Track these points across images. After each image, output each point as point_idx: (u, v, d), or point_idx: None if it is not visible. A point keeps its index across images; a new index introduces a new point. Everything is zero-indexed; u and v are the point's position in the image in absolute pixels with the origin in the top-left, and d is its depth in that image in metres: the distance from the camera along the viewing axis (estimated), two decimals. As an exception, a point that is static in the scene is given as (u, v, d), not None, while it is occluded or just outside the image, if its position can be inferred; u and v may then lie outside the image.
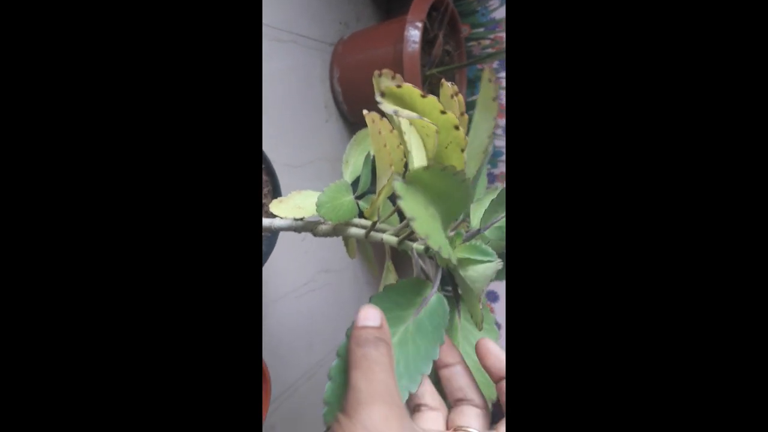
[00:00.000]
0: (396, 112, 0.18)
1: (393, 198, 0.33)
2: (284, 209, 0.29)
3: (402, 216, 0.34)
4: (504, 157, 0.95)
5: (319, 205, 0.26)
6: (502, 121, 0.96)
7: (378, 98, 0.18)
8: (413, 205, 0.18)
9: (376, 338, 0.20)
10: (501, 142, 0.95)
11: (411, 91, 0.18)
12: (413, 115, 0.18)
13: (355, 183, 0.34)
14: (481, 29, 0.93)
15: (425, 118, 0.18)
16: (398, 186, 0.18)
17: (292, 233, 0.72)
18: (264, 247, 0.49)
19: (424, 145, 0.20)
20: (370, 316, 0.20)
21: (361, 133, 0.35)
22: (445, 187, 0.20)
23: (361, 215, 0.33)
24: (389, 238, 0.28)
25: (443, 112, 0.18)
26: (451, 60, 0.84)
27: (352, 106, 0.83)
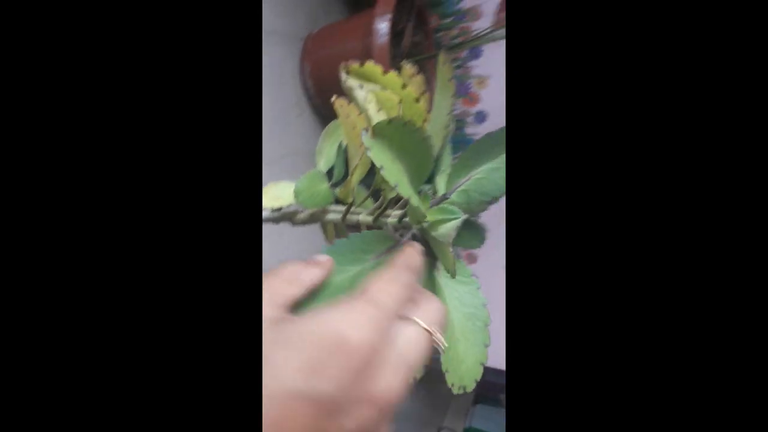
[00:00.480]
0: (361, 86, 0.19)
1: (366, 181, 0.34)
2: (263, 200, 0.30)
3: (376, 198, 0.36)
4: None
5: (296, 193, 0.28)
6: (473, 109, 0.98)
7: (343, 76, 0.20)
8: (381, 156, 0.20)
9: (307, 260, 0.22)
10: (471, 130, 0.97)
11: (373, 68, 0.20)
12: (377, 87, 0.20)
13: (329, 173, 0.35)
14: (450, 19, 0.95)
15: (388, 90, 0.20)
16: (366, 138, 0.20)
17: (270, 228, 0.72)
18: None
19: (388, 115, 0.22)
20: (319, 257, 0.23)
21: (332, 124, 0.36)
22: (408, 142, 0.21)
23: (336, 202, 0.34)
24: (365, 218, 0.29)
25: (404, 87, 0.20)
26: (420, 51, 0.86)
27: (324, 100, 0.84)
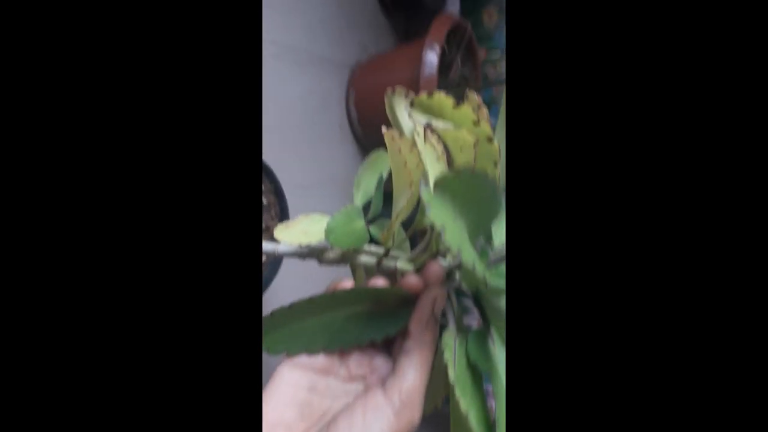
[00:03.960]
0: (429, 124, 0.16)
1: (406, 224, 0.31)
2: (290, 234, 0.27)
3: (414, 243, 0.32)
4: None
5: (328, 231, 0.24)
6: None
7: (407, 109, 0.17)
8: (442, 214, 0.16)
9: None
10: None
11: (442, 100, 0.17)
12: (448, 126, 0.16)
13: (366, 207, 0.32)
14: (498, 53, 0.93)
15: (461, 129, 0.16)
16: (425, 193, 0.16)
17: (298, 265, 0.70)
18: (266, 273, 0.47)
19: (456, 160, 0.18)
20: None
21: (373, 155, 0.33)
22: (475, 194, 0.18)
23: (371, 241, 0.31)
24: (404, 265, 0.25)
25: (476, 123, 0.17)
26: (467, 84, 0.83)
27: (367, 128, 0.82)
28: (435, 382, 0.25)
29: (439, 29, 0.73)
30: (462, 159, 0.18)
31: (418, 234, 0.34)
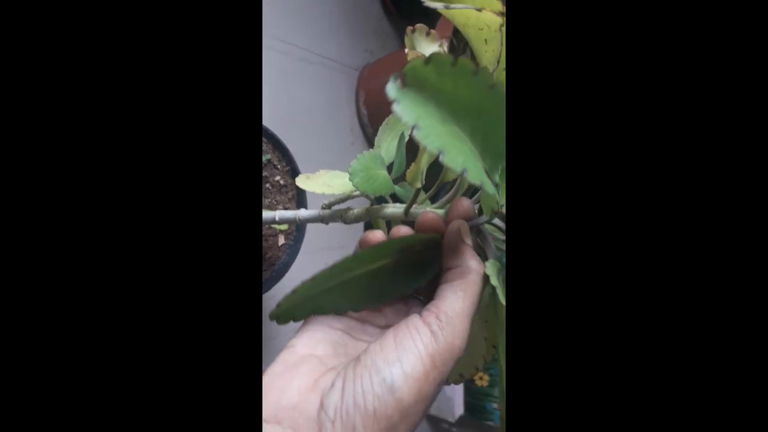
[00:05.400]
0: (447, 6, 0.15)
1: (430, 180, 0.30)
2: (312, 185, 0.26)
3: (434, 201, 0.31)
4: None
5: (352, 173, 0.23)
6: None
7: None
8: (415, 111, 0.13)
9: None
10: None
11: None
12: (468, 6, 0.15)
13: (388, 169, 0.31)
14: (505, 54, 0.93)
15: (485, 9, 0.15)
16: (391, 87, 0.13)
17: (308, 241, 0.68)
18: (285, 257, 0.46)
19: (477, 50, 0.17)
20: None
21: (393, 116, 0.33)
22: (468, 94, 0.14)
23: (394, 200, 0.30)
24: (435, 211, 0.24)
25: (503, 14, 0.15)
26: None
27: (377, 128, 0.83)
28: (472, 342, 0.23)
29: (446, 25, 0.73)
30: (488, 51, 0.17)
31: (444, 190, 0.33)
